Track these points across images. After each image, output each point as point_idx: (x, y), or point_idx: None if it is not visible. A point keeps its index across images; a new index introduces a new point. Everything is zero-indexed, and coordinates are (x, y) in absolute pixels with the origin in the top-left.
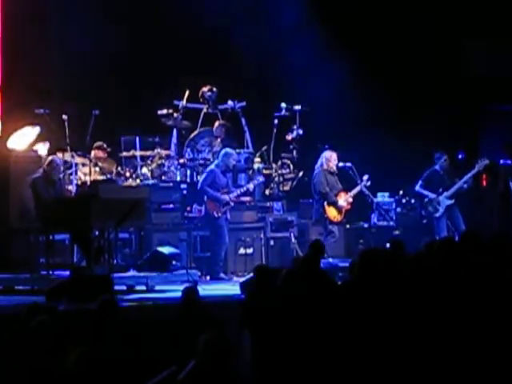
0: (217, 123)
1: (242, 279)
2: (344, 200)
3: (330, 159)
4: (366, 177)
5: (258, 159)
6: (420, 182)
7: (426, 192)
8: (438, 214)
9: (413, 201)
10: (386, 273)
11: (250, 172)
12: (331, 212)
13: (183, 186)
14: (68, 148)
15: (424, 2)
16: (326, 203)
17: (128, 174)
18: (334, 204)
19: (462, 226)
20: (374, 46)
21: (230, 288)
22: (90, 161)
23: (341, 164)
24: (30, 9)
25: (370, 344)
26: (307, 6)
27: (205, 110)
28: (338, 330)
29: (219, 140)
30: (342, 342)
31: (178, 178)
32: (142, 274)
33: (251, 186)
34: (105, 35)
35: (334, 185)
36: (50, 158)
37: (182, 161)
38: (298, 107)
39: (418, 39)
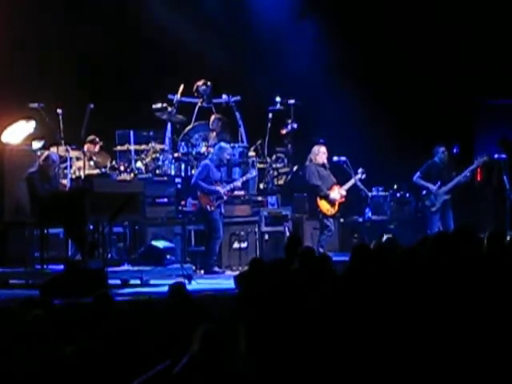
0: (213, 117)
1: (236, 273)
2: (337, 193)
3: (317, 153)
4: (360, 170)
5: (252, 153)
6: (418, 174)
7: (425, 184)
8: (434, 209)
9: (407, 195)
10: (378, 267)
11: (245, 166)
12: (324, 205)
13: (177, 180)
14: (62, 142)
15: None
16: (318, 197)
17: (122, 168)
18: (326, 197)
19: (452, 224)
20: (371, 38)
21: (224, 282)
22: (85, 155)
23: (335, 158)
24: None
25: (364, 338)
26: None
27: (199, 104)
28: (333, 323)
29: (215, 134)
30: (337, 335)
31: (173, 172)
32: (136, 268)
33: (240, 182)
34: (99, 28)
35: (326, 178)
36: (46, 153)
37: (176, 155)
38: (292, 101)
39: (415, 32)
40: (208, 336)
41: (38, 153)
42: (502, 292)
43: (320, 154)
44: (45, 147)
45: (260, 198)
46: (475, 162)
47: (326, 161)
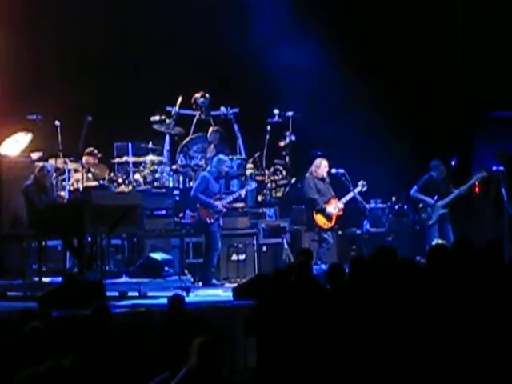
0: (211, 129)
1: (235, 285)
2: (334, 207)
3: (319, 166)
4: (361, 182)
5: (250, 165)
6: (415, 187)
7: (423, 197)
8: (430, 222)
9: (405, 207)
10: (376, 279)
11: (243, 178)
12: (320, 219)
13: (176, 192)
14: (60, 154)
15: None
16: (314, 210)
17: (120, 180)
18: (322, 211)
19: (452, 237)
20: (368, 51)
21: (223, 294)
22: (83, 167)
23: (333, 170)
24: (22, 12)
25: (362, 350)
26: (302, 12)
27: (197, 117)
28: (331, 335)
29: (213, 146)
30: (336, 346)
31: (171, 184)
32: (134, 280)
33: (243, 192)
34: (97, 41)
35: (325, 192)
36: (41, 164)
37: (174, 167)
38: (290, 113)
39: (414, 45)
40: (205, 348)
41: (36, 165)
42: (500, 302)
43: (321, 167)
44: (43, 159)
45: (258, 210)
46: (473, 178)
47: (325, 174)
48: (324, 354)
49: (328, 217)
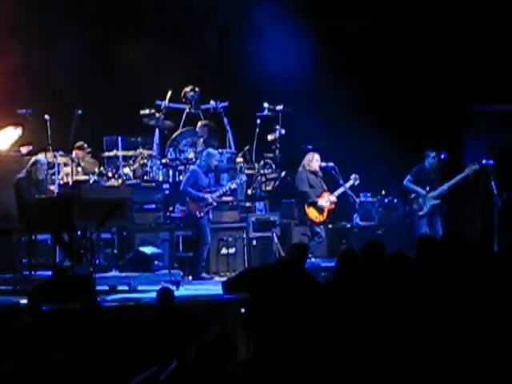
0: (200, 123)
1: (224, 279)
2: (326, 200)
3: (311, 160)
4: (353, 176)
5: (240, 159)
6: (408, 177)
7: (415, 187)
8: (421, 213)
9: (395, 200)
10: (364, 273)
11: (233, 172)
12: (312, 213)
13: (165, 185)
14: (50, 148)
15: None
16: (306, 204)
17: (110, 174)
18: (314, 204)
19: (440, 230)
20: (358, 46)
21: (213, 288)
22: (73, 161)
23: (323, 164)
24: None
25: (350, 345)
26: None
27: (187, 110)
28: (324, 330)
29: (202, 140)
30: (324, 341)
31: (161, 178)
32: (124, 274)
33: (233, 186)
34: (87, 35)
35: (317, 185)
36: (34, 158)
37: (164, 161)
38: (280, 107)
39: (402, 38)
40: (220, 340)
41: (26, 159)
42: (490, 295)
43: (314, 161)
44: (32, 153)
45: (248, 204)
46: (466, 170)
47: (318, 168)
48: (317, 348)
49: (320, 210)
